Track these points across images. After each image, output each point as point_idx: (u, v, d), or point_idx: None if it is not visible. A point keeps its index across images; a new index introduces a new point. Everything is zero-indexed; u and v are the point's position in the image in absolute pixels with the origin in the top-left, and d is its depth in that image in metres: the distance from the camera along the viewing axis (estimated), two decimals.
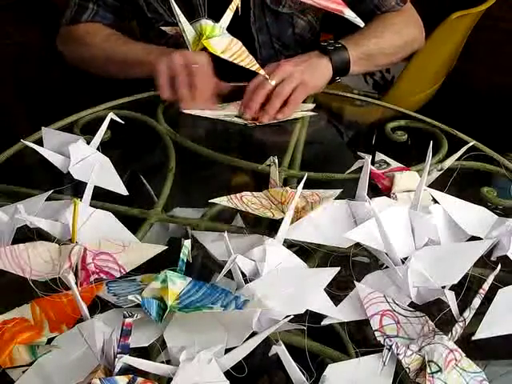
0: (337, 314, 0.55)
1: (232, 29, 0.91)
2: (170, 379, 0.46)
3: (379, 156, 0.81)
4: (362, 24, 0.91)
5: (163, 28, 0.96)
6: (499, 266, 0.57)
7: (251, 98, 0.88)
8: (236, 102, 0.94)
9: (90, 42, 1.02)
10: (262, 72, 0.89)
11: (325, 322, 0.55)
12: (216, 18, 0.91)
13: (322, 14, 1.11)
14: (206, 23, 0.89)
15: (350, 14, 0.89)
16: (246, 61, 0.89)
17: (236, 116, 0.92)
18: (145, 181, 0.78)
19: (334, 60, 0.93)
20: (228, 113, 0.93)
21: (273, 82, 0.88)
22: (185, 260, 0.56)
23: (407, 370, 0.50)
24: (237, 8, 0.90)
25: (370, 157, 0.72)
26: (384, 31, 1.01)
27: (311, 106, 0.95)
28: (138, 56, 0.95)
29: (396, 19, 1.04)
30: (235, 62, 0.88)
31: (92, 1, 1.03)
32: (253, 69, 0.89)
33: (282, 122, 0.92)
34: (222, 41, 0.89)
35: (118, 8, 1.05)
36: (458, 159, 0.80)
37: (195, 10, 1.01)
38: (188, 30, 0.89)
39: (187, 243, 0.57)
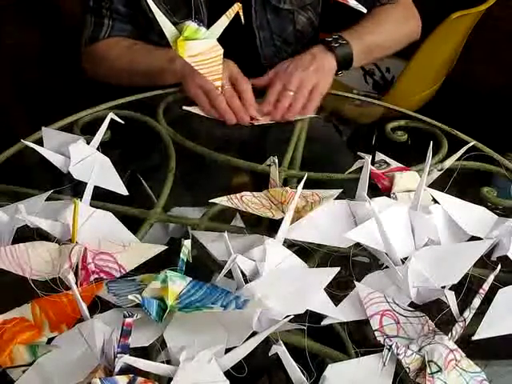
0: (337, 314, 0.55)
1: (233, 27, 0.91)
2: (170, 379, 0.46)
3: (379, 156, 0.81)
4: (364, 10, 0.93)
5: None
6: (499, 266, 0.57)
7: (275, 107, 0.92)
8: None
9: (113, 57, 1.02)
10: (218, 83, 0.91)
11: (325, 322, 0.55)
12: (216, 18, 0.91)
13: (321, 10, 1.12)
14: (190, 24, 0.89)
15: (353, 2, 0.91)
16: (211, 69, 0.90)
17: None
18: (144, 183, 0.78)
19: (338, 56, 0.96)
20: None
21: (291, 93, 0.91)
22: (185, 260, 0.56)
23: (407, 370, 0.50)
24: (239, 16, 0.90)
25: (370, 157, 0.72)
26: (383, 25, 1.04)
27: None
28: (160, 65, 0.95)
29: (395, 12, 1.06)
30: (196, 68, 0.89)
31: (107, 16, 1.03)
32: (210, 78, 0.90)
33: (280, 123, 0.92)
34: (200, 45, 0.90)
35: (132, 15, 1.05)
36: (458, 159, 0.79)
37: (196, 10, 1.01)
38: (167, 28, 0.89)
39: (187, 243, 0.57)
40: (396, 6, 1.07)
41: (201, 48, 0.90)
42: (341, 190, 0.70)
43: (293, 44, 1.10)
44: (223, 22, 0.90)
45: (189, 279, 0.54)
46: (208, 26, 0.93)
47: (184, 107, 0.92)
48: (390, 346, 0.51)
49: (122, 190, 0.72)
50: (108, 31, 1.04)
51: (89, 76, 1.11)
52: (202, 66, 0.90)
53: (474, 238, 0.64)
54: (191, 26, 0.90)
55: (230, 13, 0.89)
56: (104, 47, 1.04)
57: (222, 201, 0.66)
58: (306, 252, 0.63)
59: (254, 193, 0.69)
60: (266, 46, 1.09)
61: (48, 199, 0.67)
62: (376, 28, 1.02)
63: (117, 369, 0.45)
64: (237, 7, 0.89)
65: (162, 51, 0.97)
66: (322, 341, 0.55)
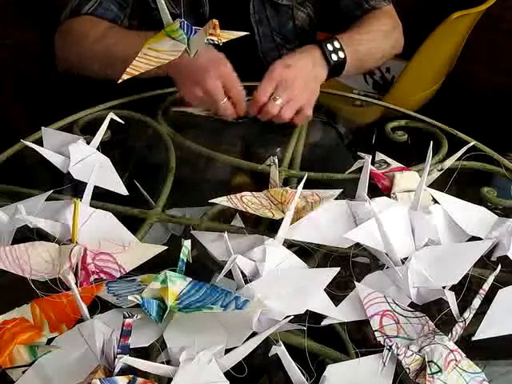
0: (337, 314, 0.55)
1: (232, 20, 0.90)
2: (170, 380, 0.46)
3: (379, 156, 0.81)
4: None
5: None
6: (499, 266, 0.57)
7: (263, 112, 0.88)
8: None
9: (92, 37, 0.95)
10: (124, 76, 0.85)
11: (325, 322, 0.55)
12: (219, 12, 0.90)
13: (319, 6, 1.11)
14: (174, 22, 0.88)
15: None
16: (142, 68, 0.88)
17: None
18: (140, 188, 0.78)
19: (333, 66, 0.94)
20: None
21: (278, 102, 0.87)
22: (185, 260, 0.56)
23: (407, 370, 0.50)
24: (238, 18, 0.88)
25: (370, 157, 0.72)
26: (376, 35, 1.03)
27: None
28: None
29: (386, 22, 1.06)
30: (149, 61, 0.87)
31: None
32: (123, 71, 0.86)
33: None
34: (170, 44, 0.88)
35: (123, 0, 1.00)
36: (458, 159, 0.80)
37: (200, 3, 1.01)
38: (165, 17, 0.89)
39: (187, 243, 0.57)
40: (386, 16, 1.07)
41: (169, 46, 0.89)
42: (341, 190, 0.71)
43: (292, 41, 1.10)
44: (201, 36, 0.89)
45: (189, 279, 0.54)
46: (209, 18, 0.93)
47: (173, 108, 0.90)
48: (390, 347, 0.51)
49: (122, 190, 0.72)
50: (93, 7, 0.97)
51: (58, 62, 1.04)
52: (154, 62, 0.89)
53: (474, 238, 0.64)
54: (174, 24, 0.89)
55: (206, 29, 0.88)
56: (85, 23, 0.97)
57: (222, 201, 0.66)
58: (306, 252, 0.63)
59: (254, 193, 0.69)
60: (266, 41, 1.08)
61: (48, 199, 0.67)
62: (370, 39, 1.01)
63: (117, 369, 0.45)
64: (211, 24, 0.88)
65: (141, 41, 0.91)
66: (321, 341, 0.55)
